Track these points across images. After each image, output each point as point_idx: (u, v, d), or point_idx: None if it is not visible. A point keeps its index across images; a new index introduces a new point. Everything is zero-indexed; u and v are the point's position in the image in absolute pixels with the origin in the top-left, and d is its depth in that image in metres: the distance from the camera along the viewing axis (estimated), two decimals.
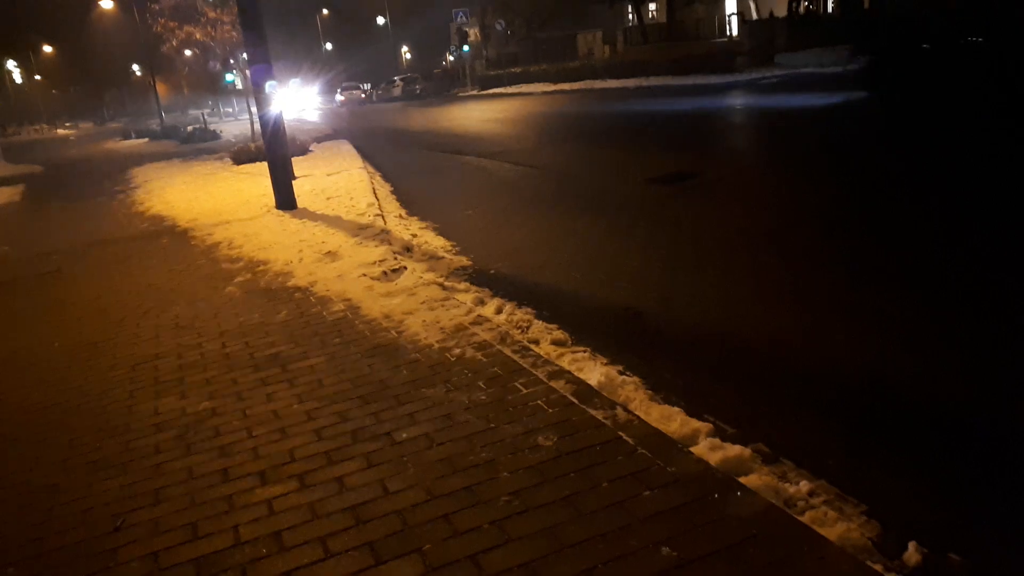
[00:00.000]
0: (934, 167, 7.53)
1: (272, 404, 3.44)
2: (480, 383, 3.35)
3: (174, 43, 21.02)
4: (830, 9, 28.74)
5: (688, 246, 5.81)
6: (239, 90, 23.32)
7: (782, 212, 6.65)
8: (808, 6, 29.28)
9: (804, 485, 2.49)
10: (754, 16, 30.61)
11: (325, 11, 71.25)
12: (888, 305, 4.11)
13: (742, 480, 2.43)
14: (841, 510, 2.37)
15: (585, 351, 3.83)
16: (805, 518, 2.27)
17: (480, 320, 4.20)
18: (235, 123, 34.39)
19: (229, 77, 19.34)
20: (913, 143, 9.23)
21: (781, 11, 28.93)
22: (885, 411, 3.04)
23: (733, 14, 34.29)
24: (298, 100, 38.08)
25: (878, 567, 2.04)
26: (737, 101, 17.89)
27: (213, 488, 2.77)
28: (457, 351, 3.76)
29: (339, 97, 46.58)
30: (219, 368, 4.01)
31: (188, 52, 23.85)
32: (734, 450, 2.67)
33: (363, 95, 47.71)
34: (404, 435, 2.97)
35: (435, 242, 6.66)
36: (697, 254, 5.56)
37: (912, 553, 2.16)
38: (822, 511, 2.35)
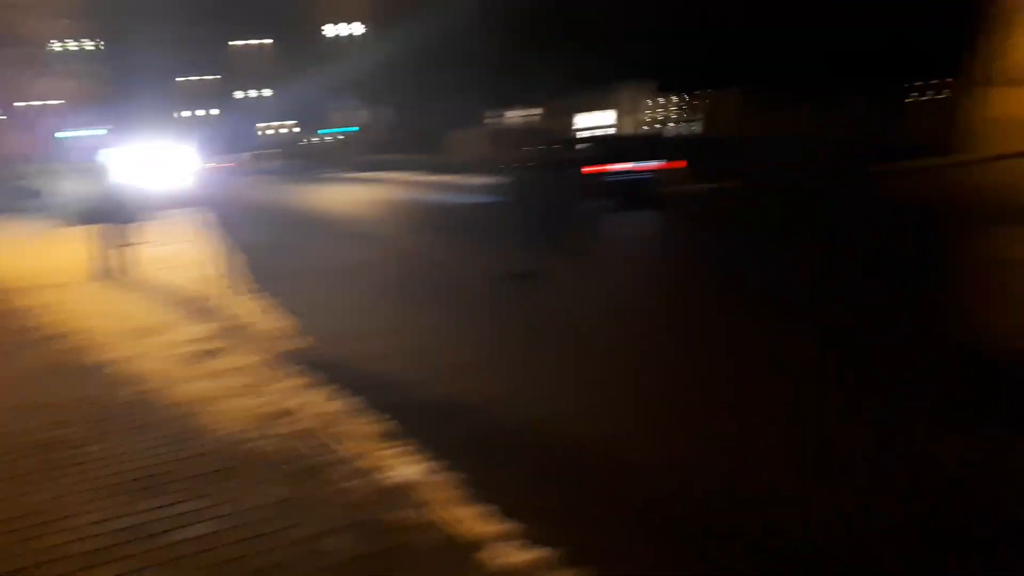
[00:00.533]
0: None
1: (36, 496, 3.07)
2: (275, 479, 3.13)
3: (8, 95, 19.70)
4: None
5: (529, 340, 5.84)
6: (74, 146, 22.08)
7: (626, 309, 6.85)
8: (667, 126, 31.53)
9: None
10: (620, 130, 32.68)
11: (181, 79, 69.36)
12: (724, 417, 4.22)
13: None
14: None
15: (408, 446, 3.69)
16: None
17: (300, 408, 3.99)
18: (66, 182, 32.44)
19: (65, 134, 18.27)
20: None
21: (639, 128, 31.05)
22: (691, 519, 3.06)
23: (580, 129, 36.43)
24: (170, 162, 36.29)
25: None
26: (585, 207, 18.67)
27: None
28: (258, 443, 3.52)
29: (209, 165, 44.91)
30: None
31: (21, 104, 22.41)
32: (536, 554, 2.60)
33: (237, 164, 46.33)
34: (185, 534, 2.71)
35: (272, 322, 6.37)
36: (537, 349, 5.59)
37: None
38: None
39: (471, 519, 2.84)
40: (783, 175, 20.03)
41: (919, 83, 21.84)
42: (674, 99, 32.06)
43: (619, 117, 33.40)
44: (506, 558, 2.53)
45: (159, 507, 2.92)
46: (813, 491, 3.23)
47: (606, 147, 15.27)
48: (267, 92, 64.58)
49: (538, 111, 41.27)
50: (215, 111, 67.83)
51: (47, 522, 2.84)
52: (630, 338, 5.96)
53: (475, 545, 2.60)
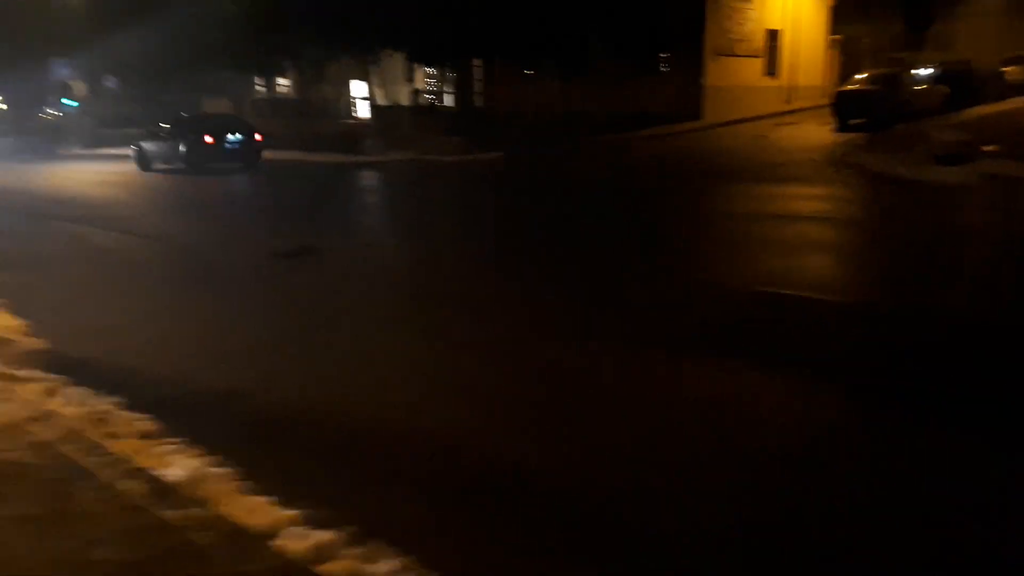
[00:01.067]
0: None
1: None
2: (31, 492, 2.88)
3: None
4: (450, 103, 31.52)
5: (298, 322, 5.78)
6: None
7: (393, 286, 6.95)
8: (431, 99, 31.82)
9: (385, 564, 2.52)
10: (381, 101, 32.32)
11: None
12: (484, 376, 4.47)
13: (322, 568, 2.39)
14: None
15: (176, 442, 3.52)
16: None
17: (47, 415, 3.65)
18: None
19: None
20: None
21: (405, 99, 31.02)
22: (478, 481, 3.24)
23: (361, 98, 35.82)
24: None
25: None
26: (364, 181, 18.57)
27: None
28: (8, 455, 3.19)
29: None
30: None
31: None
32: (320, 536, 2.62)
33: None
34: None
35: (4, 321, 5.69)
36: (306, 330, 5.55)
37: None
38: None
39: (254, 510, 2.80)
40: (535, 145, 21.25)
41: (665, 55, 23.83)
42: (427, 70, 32.35)
43: (376, 87, 33.11)
44: (295, 544, 2.53)
45: None
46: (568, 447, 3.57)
47: (215, 124, 21.17)
48: None
49: (287, 82, 39.78)
50: None
51: None
52: (399, 311, 6.08)
53: (261, 536, 2.58)
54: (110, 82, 42.27)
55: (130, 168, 21.34)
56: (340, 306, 6.30)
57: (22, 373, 4.40)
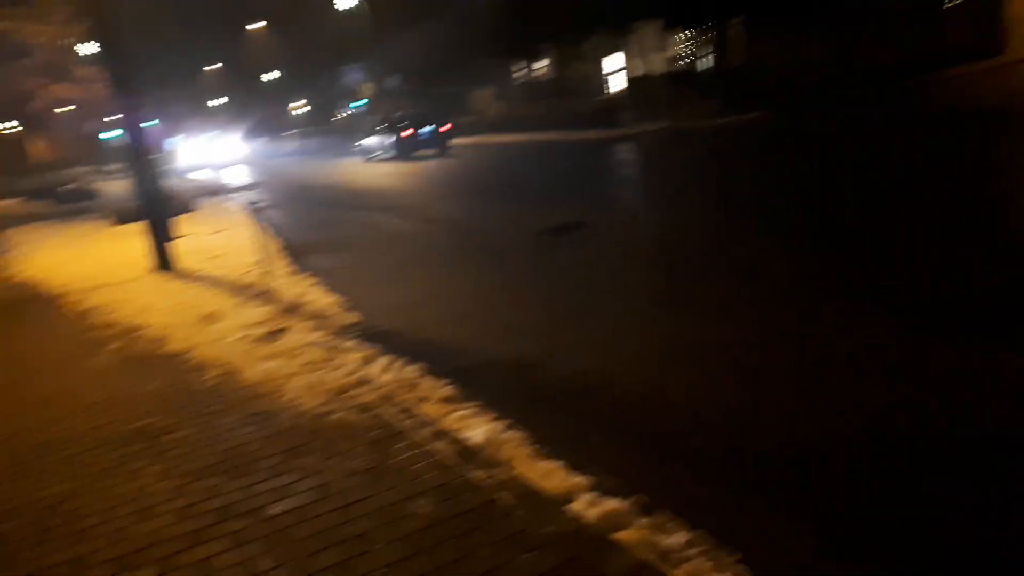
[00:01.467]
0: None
1: (137, 482, 3.24)
2: (359, 449, 3.26)
3: (43, 102, 20.05)
4: (707, 66, 30.40)
5: (574, 297, 5.91)
6: (121, 147, 22.43)
7: (663, 260, 6.86)
8: (687, 63, 30.91)
9: (680, 536, 2.51)
10: (636, 73, 32.03)
11: (208, 67, 70.02)
12: (769, 356, 4.26)
13: (617, 536, 2.44)
14: (717, 560, 2.40)
15: (473, 407, 3.79)
16: (680, 571, 2.29)
17: (365, 380, 4.11)
18: (116, 182, 33.03)
19: (107, 135, 18.60)
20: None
21: (662, 68, 30.42)
22: (762, 460, 3.12)
23: (617, 71, 35.79)
24: (219, 149, 36.94)
25: None
26: (621, 155, 18.58)
27: None
28: (338, 415, 3.66)
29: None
30: (83, 445, 3.76)
31: (63, 109, 22.83)
32: (612, 504, 2.67)
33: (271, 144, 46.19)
34: (276, 509, 2.84)
35: (323, 299, 6.51)
36: (582, 304, 5.66)
37: None
38: (697, 563, 2.37)
39: (547, 474, 2.92)
40: (802, 103, 19.66)
41: None
42: (684, 35, 31.35)
43: (631, 59, 32.78)
44: (587, 510, 2.61)
45: (248, 486, 3.06)
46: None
47: (413, 120, 25.74)
48: (275, 74, 64.69)
49: (544, 64, 40.69)
50: (230, 97, 68.36)
51: (144, 508, 3.00)
52: (669, 284, 5.98)
53: (557, 500, 2.69)
54: (391, 82, 46.35)
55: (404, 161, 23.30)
56: (610, 280, 6.35)
57: (345, 344, 5.01)
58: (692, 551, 2.46)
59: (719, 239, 7.36)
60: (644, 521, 2.62)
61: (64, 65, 18.88)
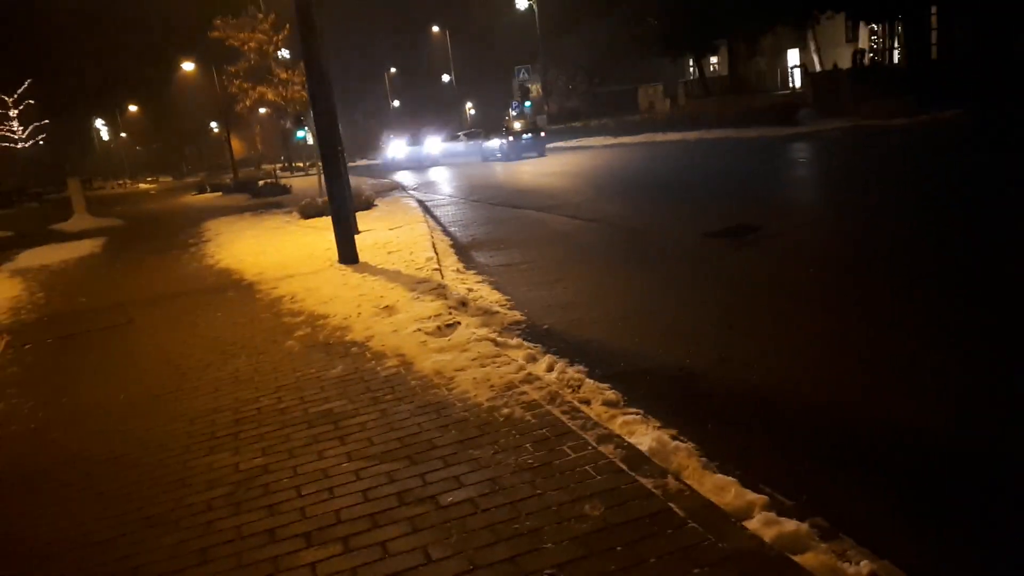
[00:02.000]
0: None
1: (322, 462, 3.46)
2: (528, 445, 3.30)
3: (247, 103, 21.98)
4: (896, 60, 28.31)
5: (745, 303, 5.69)
6: (309, 145, 24.13)
7: (841, 270, 6.45)
8: (873, 57, 28.92)
9: (865, 565, 2.35)
10: (817, 68, 30.34)
11: (393, 69, 73.70)
12: (958, 373, 3.92)
13: (798, 559, 2.31)
14: None
15: (637, 413, 3.74)
16: None
17: (531, 378, 4.17)
18: (305, 178, 35.56)
19: (299, 134, 20.08)
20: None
21: (845, 62, 28.65)
22: (951, 485, 2.87)
23: (796, 66, 34.11)
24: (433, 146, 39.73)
25: None
26: (799, 154, 17.67)
27: (259, 549, 2.78)
28: (506, 410, 3.73)
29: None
30: (273, 424, 4.06)
31: (261, 110, 24.87)
32: (790, 525, 2.54)
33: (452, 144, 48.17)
34: (449, 499, 2.93)
35: (490, 296, 6.68)
36: (754, 312, 5.44)
37: None
38: None
39: (721, 488, 2.83)
40: (1009, 99, 17.79)
41: None
42: (873, 27, 29.28)
43: (813, 53, 31.06)
44: (764, 529, 2.50)
45: (424, 473, 3.18)
46: None
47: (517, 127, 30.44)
48: (446, 77, 67.02)
49: (718, 60, 39.40)
50: (403, 101, 71.72)
51: (329, 488, 3.19)
52: (853, 294, 5.61)
53: (734, 515, 2.59)
54: (560, 81, 46.82)
55: (578, 158, 23.33)
56: (781, 287, 6.06)
57: (511, 341, 5.12)
58: None
59: (903, 248, 6.83)
60: (824, 546, 2.48)
61: (266, 68, 20.56)
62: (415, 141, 38.80)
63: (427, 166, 33.96)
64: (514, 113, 39.19)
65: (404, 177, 28.44)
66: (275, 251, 10.98)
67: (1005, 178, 9.89)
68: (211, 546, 2.86)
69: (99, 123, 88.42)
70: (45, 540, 3.11)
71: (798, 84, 32.03)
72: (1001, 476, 2.90)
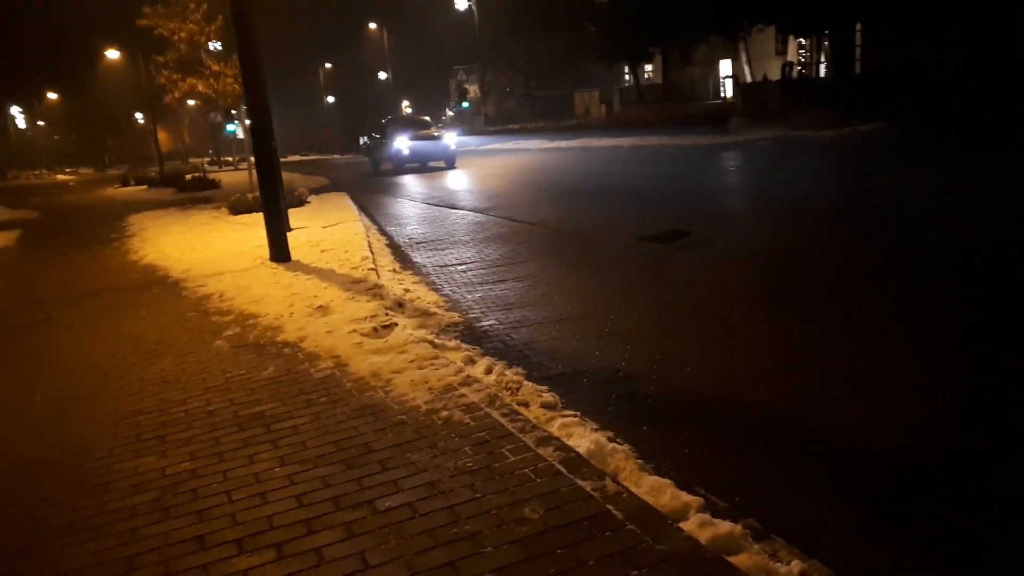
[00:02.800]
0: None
1: (253, 466, 3.36)
2: (467, 448, 3.28)
3: (176, 94, 21.30)
4: (823, 73, 29.35)
5: (680, 306, 5.80)
6: (239, 139, 23.52)
7: (773, 273, 6.65)
8: (801, 70, 29.91)
9: (796, 565, 2.42)
10: (748, 79, 31.21)
11: (328, 64, 72.63)
12: (886, 371, 4.07)
13: (732, 560, 2.36)
14: None
15: (575, 415, 3.77)
16: None
17: (469, 381, 4.15)
18: (235, 172, 34.67)
19: (230, 128, 19.56)
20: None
21: (775, 74, 29.54)
22: (880, 485, 2.97)
23: (728, 76, 35.02)
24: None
25: None
26: (730, 162, 18.13)
27: (188, 556, 2.68)
28: (445, 413, 3.70)
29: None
30: (202, 426, 3.93)
31: (190, 102, 24.15)
32: (724, 527, 2.59)
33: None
34: (387, 503, 2.89)
35: (427, 297, 6.64)
36: (689, 314, 5.54)
37: None
38: None
39: (657, 490, 2.86)
40: (941, 112, 18.65)
41: None
42: (801, 41, 30.30)
43: (744, 64, 31.93)
44: (698, 531, 2.54)
45: (360, 477, 3.13)
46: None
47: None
48: (382, 75, 66.39)
49: (652, 68, 40.12)
50: (337, 97, 70.70)
51: (261, 492, 3.10)
52: (783, 296, 5.79)
53: (669, 517, 2.63)
54: (498, 83, 46.97)
55: (515, 161, 23.39)
56: (715, 289, 6.21)
57: (449, 343, 5.09)
58: None
59: (830, 254, 7.08)
60: (757, 547, 2.54)
61: (196, 60, 19.97)
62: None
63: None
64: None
65: (335, 173, 27.98)
66: (203, 247, 10.66)
67: (916, 188, 10.35)
68: (137, 554, 2.74)
69: (15, 110, 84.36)
70: None
71: (730, 94, 32.89)
72: (936, 476, 3.02)
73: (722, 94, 34.65)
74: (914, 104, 19.85)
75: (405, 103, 71.18)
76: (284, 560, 2.58)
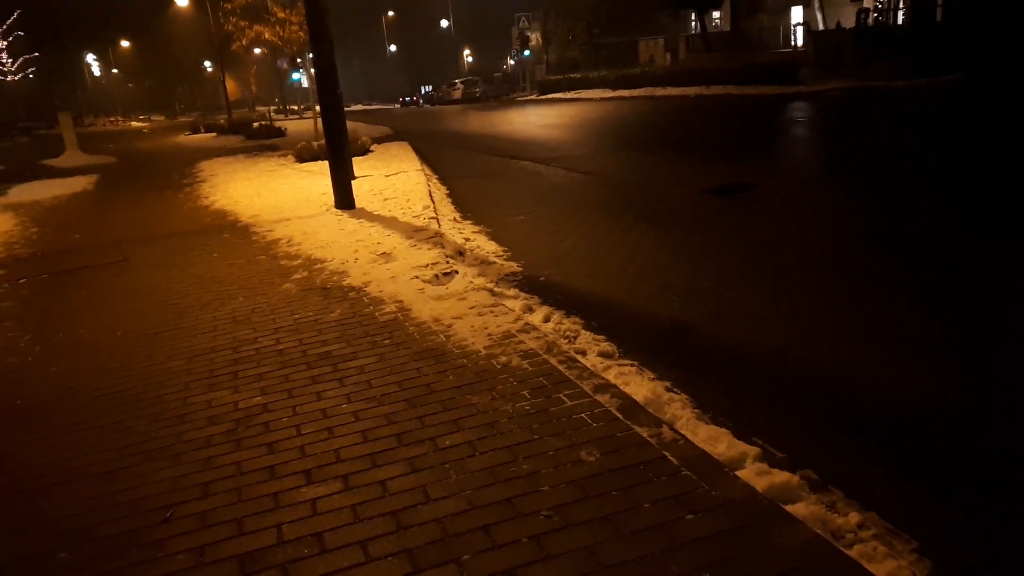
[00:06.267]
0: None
1: (321, 403, 3.50)
2: (525, 392, 3.35)
3: (244, 41, 21.56)
4: (900, 21, 27.93)
5: (741, 260, 5.72)
6: (304, 88, 23.77)
7: (841, 229, 6.48)
8: (877, 17, 28.53)
9: (853, 516, 2.42)
10: (820, 26, 29.92)
11: (391, 13, 72.27)
12: (950, 333, 3.98)
13: (789, 508, 2.38)
14: (891, 545, 2.30)
15: (632, 365, 3.80)
16: (853, 552, 2.21)
17: (527, 328, 4.20)
18: (300, 121, 35.12)
19: (295, 76, 19.76)
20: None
21: (848, 22, 28.25)
22: (941, 443, 2.93)
23: (798, 24, 33.63)
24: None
25: None
26: (799, 113, 17.54)
27: (260, 485, 2.83)
28: (503, 359, 3.77)
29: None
30: (272, 364, 4.09)
31: (257, 50, 24.43)
32: (782, 476, 2.60)
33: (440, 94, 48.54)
34: (448, 441, 2.99)
35: (487, 246, 6.69)
36: (750, 269, 5.47)
37: None
38: (871, 545, 2.28)
39: (714, 439, 2.89)
40: (1014, 65, 17.64)
41: None
42: None
43: (817, 10, 30.62)
44: (756, 480, 2.56)
45: (422, 416, 3.23)
46: None
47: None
48: (444, 23, 65.72)
49: (717, 13, 38.76)
50: (400, 46, 70.47)
51: (328, 427, 3.24)
52: (848, 255, 5.64)
53: (726, 465, 2.65)
54: (560, 31, 46.08)
55: (577, 110, 23.04)
56: (778, 245, 6.10)
57: (507, 291, 5.14)
58: (865, 533, 2.36)
59: (901, 216, 6.84)
60: (814, 497, 2.55)
61: (263, 7, 20.14)
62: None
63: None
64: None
65: (400, 123, 28.09)
66: (270, 194, 10.90)
67: (996, 149, 9.87)
68: (212, 481, 2.90)
69: (90, 58, 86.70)
70: (46, 472, 3.15)
71: (800, 43, 31.60)
72: (988, 439, 2.97)
73: (792, 43, 33.31)
74: (998, 57, 18.78)
75: (466, 52, 70.55)
76: (350, 491, 2.70)
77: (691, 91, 27.07)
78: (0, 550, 2.60)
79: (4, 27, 61.38)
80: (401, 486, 2.70)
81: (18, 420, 3.74)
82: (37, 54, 65.15)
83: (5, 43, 62.38)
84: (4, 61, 62.79)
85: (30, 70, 65.10)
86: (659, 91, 29.70)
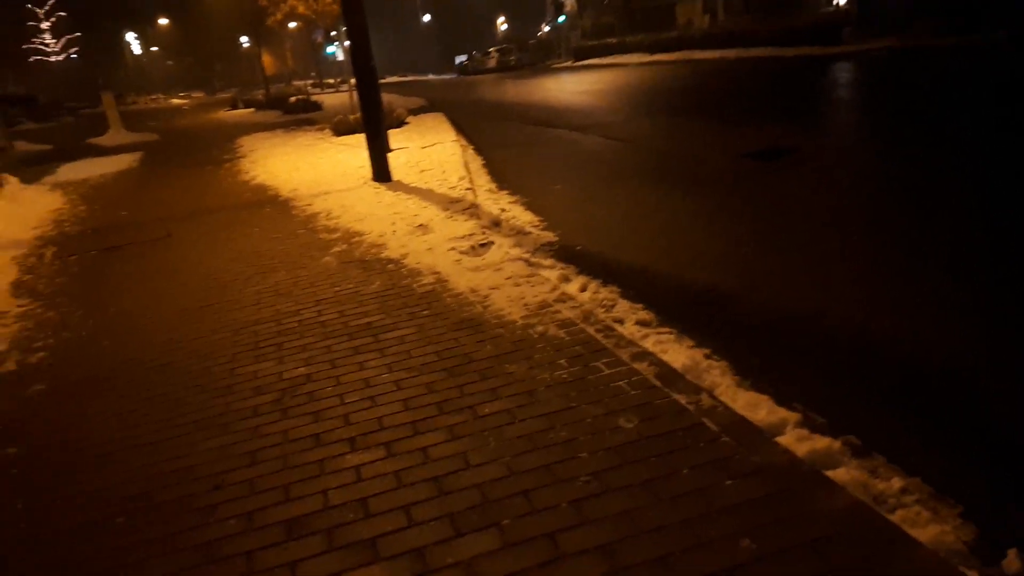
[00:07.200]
0: None
1: (363, 372, 3.56)
2: (562, 361, 3.37)
3: (278, 16, 21.64)
4: None
5: (780, 226, 5.63)
6: (339, 61, 23.80)
7: (881, 195, 6.33)
8: None
9: (895, 482, 2.41)
10: None
11: None
12: (994, 302, 3.88)
13: (829, 474, 2.37)
14: (935, 510, 2.28)
15: (670, 332, 3.78)
16: (895, 517, 2.20)
17: (564, 297, 4.21)
18: (336, 94, 35.23)
19: (330, 49, 19.78)
20: None
21: None
22: (986, 410, 2.89)
23: None
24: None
25: (973, 574, 1.96)
26: (841, 75, 17.08)
27: (305, 452, 2.91)
28: (540, 328, 3.79)
29: None
30: (315, 335, 4.17)
31: (292, 24, 24.50)
32: (823, 442, 2.59)
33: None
34: (487, 409, 3.03)
35: (523, 217, 6.68)
36: (789, 235, 5.39)
37: (1012, 560, 2.06)
38: (914, 510, 2.26)
39: (754, 405, 2.88)
40: None
41: None
42: None
43: None
44: (796, 445, 2.55)
45: (462, 385, 3.27)
46: None
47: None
48: None
49: None
50: (433, 13, 69.98)
51: (371, 396, 3.30)
52: (890, 223, 5.52)
53: (766, 431, 2.65)
54: None
55: (613, 76, 22.72)
56: (815, 211, 5.98)
57: (544, 261, 5.15)
58: (908, 498, 2.35)
59: (940, 179, 6.66)
60: (856, 463, 2.53)
61: None
62: None
63: None
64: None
65: (434, 93, 28.01)
66: (309, 168, 11.00)
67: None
68: (259, 448, 2.99)
69: (130, 36, 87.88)
70: (98, 441, 3.27)
71: (843, 1, 30.66)
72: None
73: (835, 1, 32.35)
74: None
75: (501, 19, 69.83)
76: (393, 458, 2.76)
77: (730, 54, 26.50)
78: (62, 516, 2.72)
79: (47, 7, 62.45)
80: (442, 453, 2.75)
81: (77, 392, 3.88)
82: (79, 34, 66.23)
83: (48, 23, 63.50)
84: (48, 41, 63.97)
85: (73, 50, 66.25)
86: (697, 54, 29.13)
